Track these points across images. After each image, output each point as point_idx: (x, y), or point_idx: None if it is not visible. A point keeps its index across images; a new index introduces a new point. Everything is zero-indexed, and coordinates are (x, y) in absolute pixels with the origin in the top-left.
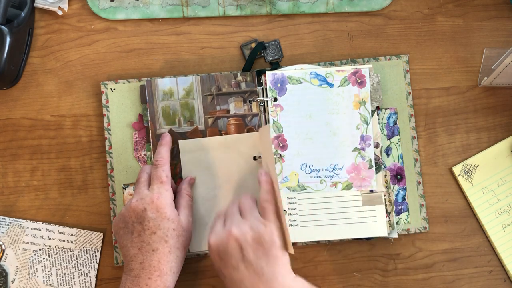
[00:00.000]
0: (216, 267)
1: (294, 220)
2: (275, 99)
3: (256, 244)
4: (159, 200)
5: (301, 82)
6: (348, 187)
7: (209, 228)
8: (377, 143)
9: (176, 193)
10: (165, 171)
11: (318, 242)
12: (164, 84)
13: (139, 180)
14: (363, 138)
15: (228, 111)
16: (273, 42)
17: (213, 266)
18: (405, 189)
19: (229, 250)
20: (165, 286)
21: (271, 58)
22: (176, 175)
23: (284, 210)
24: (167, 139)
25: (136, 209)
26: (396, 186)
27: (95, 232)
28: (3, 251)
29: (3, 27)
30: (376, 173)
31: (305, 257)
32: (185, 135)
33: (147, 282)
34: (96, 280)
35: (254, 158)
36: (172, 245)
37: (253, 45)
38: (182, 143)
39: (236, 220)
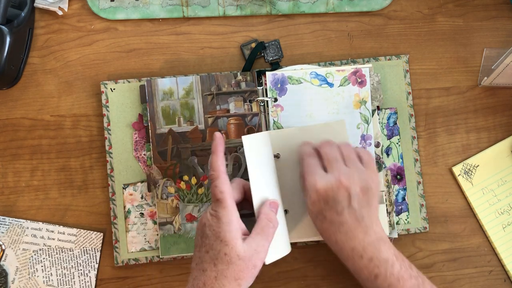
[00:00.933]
0: (315, 208)
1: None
2: (276, 100)
3: (363, 194)
4: (215, 219)
5: (301, 82)
6: None
7: (304, 166)
8: (378, 142)
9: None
10: (218, 186)
11: (318, 242)
12: (164, 84)
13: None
14: (363, 138)
15: (228, 110)
16: (273, 42)
17: (310, 206)
18: (405, 189)
19: (338, 198)
20: None
21: (271, 58)
22: (176, 175)
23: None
24: (218, 146)
25: (200, 223)
26: (396, 186)
27: (95, 232)
28: (3, 251)
29: (3, 27)
30: (378, 172)
31: (305, 257)
32: (184, 135)
33: None
34: (96, 280)
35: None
36: (220, 272)
37: (253, 45)
38: (245, 138)
39: (344, 169)
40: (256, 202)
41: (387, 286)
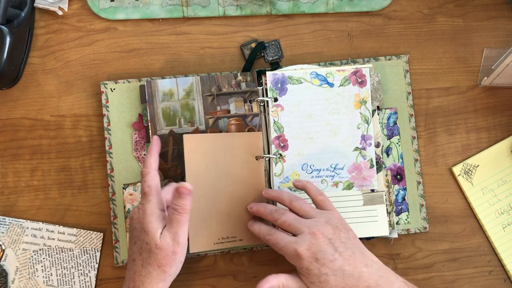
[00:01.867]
0: (313, 274)
1: None
2: (276, 99)
3: (337, 232)
4: (141, 211)
5: (302, 82)
6: (349, 186)
7: (275, 245)
8: (378, 142)
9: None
10: (146, 181)
11: None
12: (164, 85)
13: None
14: (364, 138)
15: (228, 111)
16: (273, 42)
17: (309, 277)
18: (405, 189)
19: (323, 248)
20: None
21: (271, 58)
22: (177, 176)
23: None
24: (153, 147)
25: (130, 217)
26: (396, 186)
27: (95, 232)
28: (3, 251)
29: (3, 27)
30: (377, 172)
31: None
32: None
33: None
34: (96, 280)
35: (257, 157)
36: (144, 259)
37: (253, 45)
38: (186, 137)
39: (307, 222)
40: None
41: None
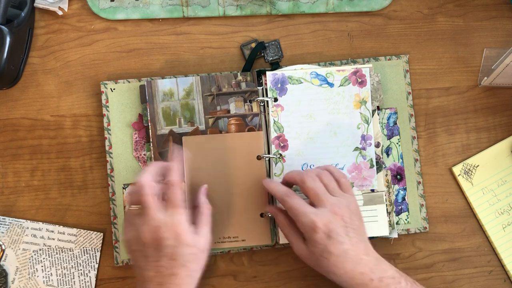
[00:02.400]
0: (319, 248)
1: None
2: (276, 99)
3: (352, 218)
4: (178, 227)
5: (302, 82)
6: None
7: (292, 209)
8: (378, 142)
9: (194, 206)
10: (177, 193)
11: None
12: (164, 85)
13: (148, 205)
14: (364, 138)
15: (228, 111)
16: (273, 42)
17: (313, 248)
18: (405, 189)
19: (338, 229)
20: None
21: (271, 58)
22: None
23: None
24: (178, 156)
25: (154, 237)
26: (396, 186)
27: (95, 232)
28: (3, 251)
29: (3, 27)
30: (377, 172)
31: None
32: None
33: None
34: (96, 280)
35: (258, 157)
36: (192, 269)
37: (253, 45)
38: (185, 139)
39: (332, 199)
40: (189, 197)
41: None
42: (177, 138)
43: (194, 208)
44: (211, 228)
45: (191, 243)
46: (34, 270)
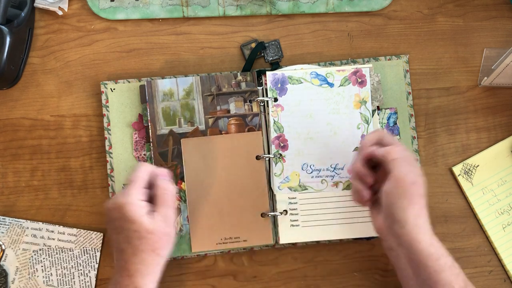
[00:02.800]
0: (408, 180)
1: (295, 220)
2: (276, 99)
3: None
4: (123, 199)
5: (302, 82)
6: (349, 186)
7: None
8: None
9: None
10: (138, 172)
11: (318, 242)
12: (164, 85)
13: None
14: (363, 138)
15: (228, 111)
16: (273, 42)
17: (416, 197)
18: None
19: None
20: (135, 286)
21: (271, 58)
22: (177, 176)
23: (285, 211)
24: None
25: (107, 209)
26: None
27: (95, 232)
28: (3, 251)
29: (3, 27)
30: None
31: (305, 257)
32: (185, 136)
33: (118, 279)
34: (96, 280)
35: (257, 157)
36: (135, 247)
37: (253, 45)
38: (184, 141)
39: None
40: (190, 198)
41: (456, 275)
42: (177, 138)
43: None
44: (170, 210)
45: (134, 219)
46: (34, 270)
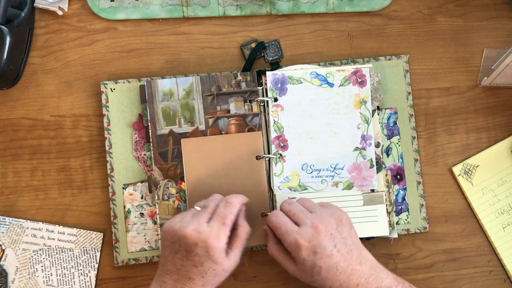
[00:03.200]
0: (308, 264)
1: None
2: (276, 99)
3: (340, 227)
4: (214, 242)
5: (302, 82)
6: (349, 186)
7: (277, 228)
8: (378, 142)
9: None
10: (232, 213)
11: None
12: (164, 85)
13: (207, 209)
14: (364, 138)
15: (228, 111)
16: (273, 42)
17: (302, 266)
18: (405, 189)
19: (323, 243)
20: None
21: (271, 58)
22: (177, 176)
23: None
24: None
25: (188, 239)
26: (396, 186)
27: (95, 232)
28: (3, 251)
29: (3, 27)
30: (377, 172)
31: None
32: (185, 136)
33: None
34: (96, 280)
35: (257, 157)
36: (207, 281)
37: (253, 45)
38: (184, 141)
39: (311, 216)
40: (190, 198)
41: None
42: (177, 138)
43: (233, 229)
44: (241, 251)
45: (217, 261)
46: (34, 270)
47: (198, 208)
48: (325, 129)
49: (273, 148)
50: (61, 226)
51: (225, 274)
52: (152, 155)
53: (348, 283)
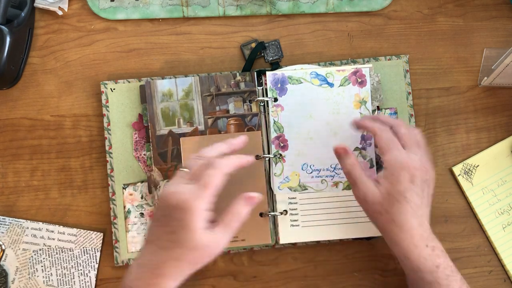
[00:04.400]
0: (399, 187)
1: (295, 220)
2: (276, 99)
3: (433, 182)
4: (192, 202)
5: (302, 82)
6: (349, 186)
7: (382, 142)
8: None
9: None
10: (215, 176)
11: (318, 242)
12: (163, 85)
13: (191, 167)
14: (363, 138)
15: (227, 111)
16: (273, 42)
17: (398, 185)
18: None
19: (424, 178)
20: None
21: (271, 58)
22: None
23: (285, 211)
24: (241, 141)
25: (167, 201)
26: None
27: (95, 232)
28: (3, 251)
29: (3, 27)
30: (377, 172)
31: (305, 257)
32: (184, 136)
33: (145, 274)
34: (96, 280)
35: (257, 157)
36: (182, 254)
37: (253, 45)
38: (184, 140)
39: (421, 154)
40: None
41: (445, 277)
42: (177, 139)
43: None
44: (228, 234)
45: (193, 228)
46: (34, 270)
47: (186, 170)
48: (325, 129)
49: (273, 148)
50: (61, 226)
51: (202, 251)
52: (152, 155)
53: (416, 229)
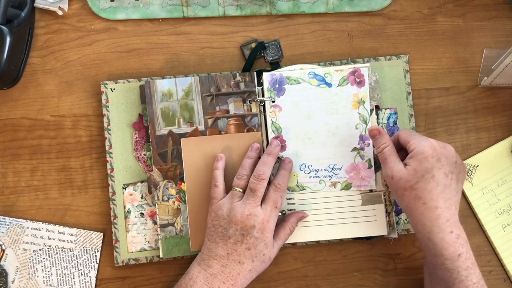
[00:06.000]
0: (426, 165)
1: None
2: (274, 100)
3: (462, 167)
4: (268, 224)
5: (300, 83)
6: (347, 187)
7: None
8: None
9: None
10: (282, 197)
11: (318, 242)
12: (163, 85)
13: (255, 193)
14: (362, 138)
15: (227, 111)
16: (273, 42)
17: (425, 163)
18: None
19: (449, 160)
20: None
21: (271, 58)
22: (177, 177)
23: (283, 211)
24: (288, 166)
25: (245, 222)
26: None
27: (95, 232)
28: (3, 251)
29: (3, 27)
30: (376, 172)
31: (305, 257)
32: (184, 136)
33: (220, 285)
34: (96, 280)
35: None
36: (254, 267)
37: (253, 45)
38: (184, 140)
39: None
40: (190, 198)
41: (466, 267)
42: (177, 139)
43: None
44: (279, 248)
45: (269, 245)
46: (34, 270)
47: (239, 189)
48: (323, 130)
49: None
50: (61, 226)
51: (268, 262)
52: (152, 155)
53: (442, 211)
